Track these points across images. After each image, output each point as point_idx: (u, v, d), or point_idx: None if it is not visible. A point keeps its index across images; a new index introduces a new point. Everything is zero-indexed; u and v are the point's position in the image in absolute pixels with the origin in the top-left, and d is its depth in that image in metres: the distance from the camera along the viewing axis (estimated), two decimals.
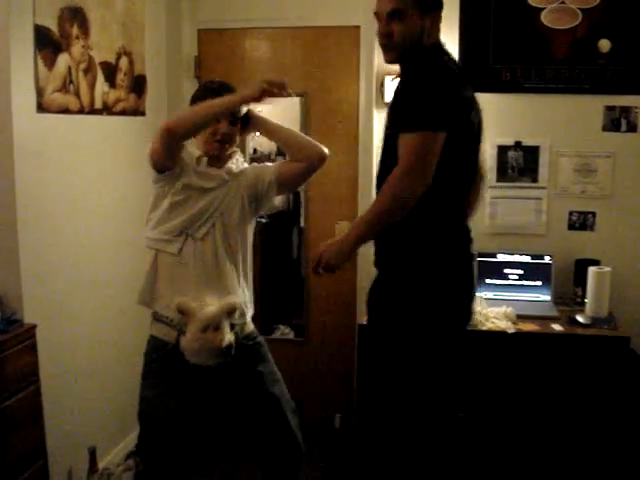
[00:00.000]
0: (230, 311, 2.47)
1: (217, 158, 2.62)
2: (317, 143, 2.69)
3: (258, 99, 2.47)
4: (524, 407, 3.39)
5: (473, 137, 2.38)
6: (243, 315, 2.63)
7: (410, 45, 2.31)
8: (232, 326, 2.50)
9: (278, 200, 5.15)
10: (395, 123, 2.29)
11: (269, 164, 2.76)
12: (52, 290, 3.09)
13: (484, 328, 3.39)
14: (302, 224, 4.54)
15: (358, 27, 3.98)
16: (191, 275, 2.54)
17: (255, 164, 2.80)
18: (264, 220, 5.30)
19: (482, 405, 3.42)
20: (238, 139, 2.69)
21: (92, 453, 3.31)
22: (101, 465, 3.43)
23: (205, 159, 2.60)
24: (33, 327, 2.85)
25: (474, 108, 2.37)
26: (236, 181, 2.65)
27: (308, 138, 2.74)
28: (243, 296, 2.63)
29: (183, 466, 2.66)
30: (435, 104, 2.16)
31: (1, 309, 2.80)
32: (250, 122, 2.69)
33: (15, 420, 2.75)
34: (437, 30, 2.38)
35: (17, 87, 2.80)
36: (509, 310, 3.47)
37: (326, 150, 2.67)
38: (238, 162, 2.71)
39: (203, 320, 2.40)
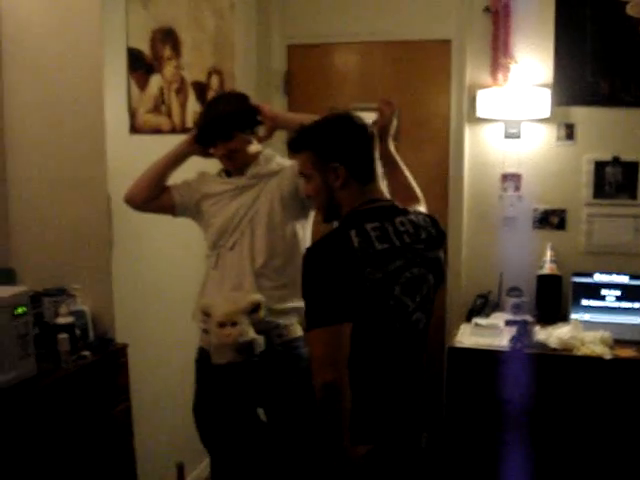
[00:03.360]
0: (251, 309, 2.46)
1: (237, 170, 2.64)
2: None
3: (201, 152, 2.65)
4: (620, 436, 3.24)
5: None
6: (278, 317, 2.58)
7: (328, 206, 2.08)
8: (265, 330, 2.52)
9: None
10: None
11: None
12: (142, 310, 3.15)
13: (579, 353, 3.26)
14: None
15: (449, 41, 3.92)
16: (225, 285, 2.58)
17: (292, 161, 2.64)
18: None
19: (578, 432, 3.29)
20: (254, 143, 2.63)
21: (180, 469, 3.34)
22: None
23: (223, 172, 2.70)
24: (125, 347, 2.91)
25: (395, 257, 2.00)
26: (268, 183, 2.61)
27: None
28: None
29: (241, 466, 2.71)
30: (327, 298, 1.92)
31: (94, 329, 2.86)
32: (260, 122, 2.64)
33: (108, 437, 2.81)
34: (354, 183, 2.03)
35: (111, 109, 2.86)
36: (606, 334, 3.33)
37: None
38: (269, 162, 2.65)
39: (220, 316, 2.44)
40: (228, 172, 2.71)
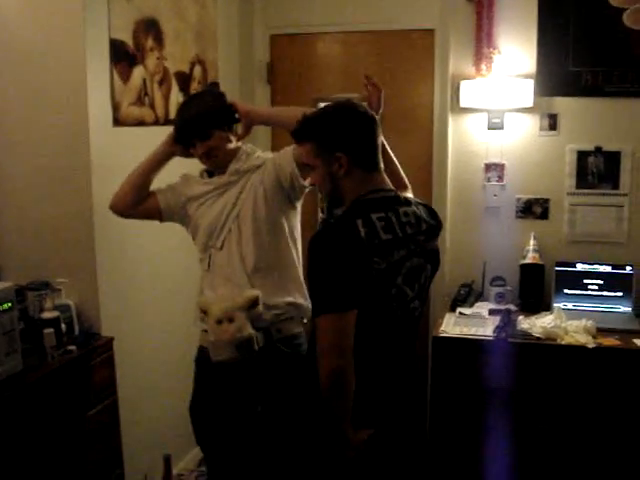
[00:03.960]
0: (249, 304, 2.46)
1: (219, 168, 2.64)
2: None
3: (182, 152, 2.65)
4: (604, 425, 3.28)
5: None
6: (276, 314, 2.58)
7: (332, 194, 2.12)
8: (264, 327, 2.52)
9: None
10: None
11: (287, 149, 2.60)
12: (128, 303, 3.14)
13: (563, 342, 3.28)
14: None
15: (432, 30, 3.92)
16: (219, 285, 2.59)
17: (274, 154, 2.69)
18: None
19: (561, 421, 3.32)
20: (233, 140, 2.63)
21: (167, 460, 3.34)
22: (175, 472, 3.47)
23: (205, 172, 2.70)
24: (110, 340, 2.90)
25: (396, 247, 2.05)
26: (250, 178, 2.60)
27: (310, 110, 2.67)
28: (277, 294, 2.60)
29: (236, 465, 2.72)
30: (336, 285, 1.96)
31: (80, 323, 2.85)
32: (237, 118, 2.63)
33: (95, 431, 2.81)
34: (357, 170, 2.06)
35: (94, 102, 2.84)
36: (589, 323, 3.35)
37: None
38: (249, 157, 2.64)
39: (217, 313, 2.44)
40: (210, 172, 2.70)
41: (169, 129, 3.31)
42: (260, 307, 2.48)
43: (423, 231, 2.10)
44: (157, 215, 2.71)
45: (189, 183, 2.70)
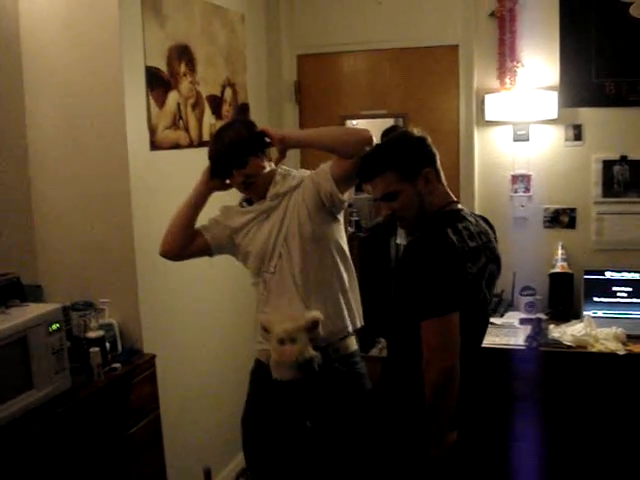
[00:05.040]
0: (310, 326, 2.49)
1: (258, 195, 2.66)
2: (357, 129, 2.62)
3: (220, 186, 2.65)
4: (636, 431, 3.31)
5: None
6: (332, 333, 2.60)
7: (418, 214, 2.23)
8: (322, 346, 2.54)
9: (375, 213, 5.19)
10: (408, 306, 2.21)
11: (324, 167, 2.60)
12: (168, 321, 3.23)
13: (593, 350, 3.33)
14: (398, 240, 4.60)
15: (456, 46, 4.00)
16: (274, 306, 2.60)
17: (310, 173, 2.69)
18: (362, 234, 5.34)
19: (593, 428, 3.35)
20: (267, 165, 2.62)
21: (207, 473, 3.42)
22: None
23: (244, 202, 2.72)
24: (153, 357, 2.99)
25: (483, 256, 2.21)
26: (291, 200, 2.62)
27: (346, 129, 2.70)
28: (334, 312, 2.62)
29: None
30: (442, 288, 2.09)
31: (122, 340, 2.95)
32: (270, 143, 2.61)
33: (139, 446, 2.89)
34: (437, 184, 2.24)
35: (132, 128, 2.94)
36: (619, 331, 3.39)
37: (368, 132, 2.53)
38: (286, 179, 2.66)
39: (279, 333, 2.47)
40: (249, 200, 2.72)
41: (203, 149, 3.42)
42: (320, 329, 2.51)
43: (491, 239, 2.26)
44: (207, 251, 2.71)
45: (230, 215, 2.71)
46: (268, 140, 2.61)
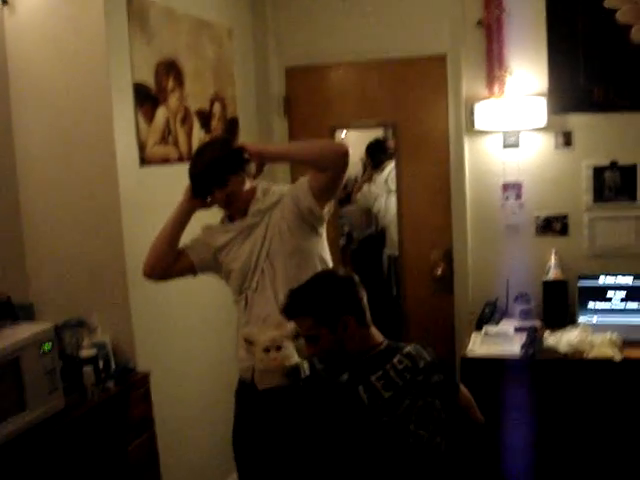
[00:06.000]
0: (295, 334, 2.48)
1: (239, 212, 2.67)
2: (332, 142, 2.62)
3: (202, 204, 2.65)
4: (634, 437, 3.29)
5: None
6: None
7: (340, 356, 2.23)
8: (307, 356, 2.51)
9: (366, 224, 5.20)
10: None
11: (302, 180, 2.63)
12: (162, 337, 3.21)
13: (589, 356, 3.31)
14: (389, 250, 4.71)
15: (444, 55, 3.99)
16: (255, 324, 2.62)
17: (288, 188, 2.72)
18: (353, 246, 5.34)
19: (590, 435, 3.34)
20: (248, 182, 2.64)
21: None
22: None
23: (226, 219, 2.72)
24: (146, 375, 2.97)
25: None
26: (272, 216, 2.63)
27: (323, 143, 2.71)
28: None
29: None
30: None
31: (116, 358, 2.92)
32: (248, 160, 2.64)
33: (134, 465, 2.87)
34: (358, 329, 2.20)
35: (121, 144, 2.94)
36: (615, 336, 3.38)
37: (344, 145, 2.56)
38: (266, 195, 2.67)
39: (265, 341, 2.47)
40: (231, 217, 2.73)
41: None
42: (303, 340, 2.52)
43: (421, 369, 2.19)
44: (191, 271, 2.72)
45: (212, 233, 2.72)
46: (247, 156, 2.62)
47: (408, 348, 2.23)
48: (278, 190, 2.70)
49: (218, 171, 2.58)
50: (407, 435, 2.10)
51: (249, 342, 2.53)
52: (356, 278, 2.25)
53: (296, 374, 2.48)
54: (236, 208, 2.66)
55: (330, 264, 2.74)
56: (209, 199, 2.64)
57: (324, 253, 2.72)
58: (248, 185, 2.66)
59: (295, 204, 2.60)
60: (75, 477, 2.54)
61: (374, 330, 2.26)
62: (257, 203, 2.65)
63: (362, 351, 2.19)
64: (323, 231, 2.73)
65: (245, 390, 2.66)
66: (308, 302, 2.20)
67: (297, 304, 2.22)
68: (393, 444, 2.09)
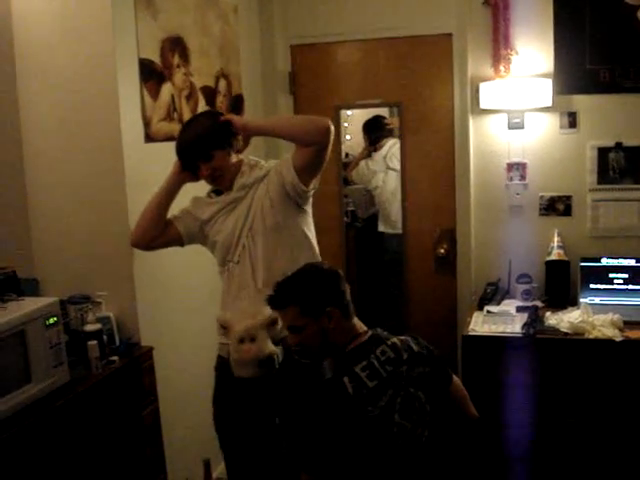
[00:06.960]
0: (269, 323, 2.53)
1: (226, 186, 2.70)
2: (316, 118, 2.60)
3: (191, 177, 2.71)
4: (633, 417, 3.32)
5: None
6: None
7: (323, 347, 2.28)
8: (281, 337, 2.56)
9: (371, 203, 5.20)
10: None
11: (287, 157, 2.66)
12: (166, 312, 3.23)
13: (590, 336, 3.33)
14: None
15: (450, 34, 3.99)
16: (235, 296, 2.67)
17: (276, 162, 2.73)
18: (358, 224, 5.35)
19: (591, 414, 3.36)
20: (234, 157, 2.68)
21: (207, 465, 3.40)
22: (215, 475, 3.55)
23: (212, 192, 2.75)
24: (150, 349, 2.99)
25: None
26: (257, 191, 2.66)
27: (305, 118, 2.73)
28: None
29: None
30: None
31: (120, 333, 2.95)
32: (236, 132, 2.67)
33: (138, 438, 2.90)
34: (342, 321, 2.26)
35: (126, 120, 2.93)
36: (616, 317, 3.40)
37: (327, 121, 2.56)
38: (253, 169, 2.70)
39: (239, 331, 2.51)
40: (218, 191, 2.75)
41: None
42: (279, 325, 2.53)
43: (404, 360, 2.23)
44: (178, 241, 2.78)
45: (200, 205, 2.76)
46: (233, 130, 2.64)
47: (394, 339, 2.27)
48: (266, 165, 2.73)
49: (203, 145, 2.61)
50: (392, 425, 2.14)
51: (224, 328, 2.57)
52: (340, 272, 2.31)
53: (270, 365, 2.52)
54: (222, 182, 2.69)
55: (314, 241, 2.77)
56: (197, 173, 2.68)
57: (307, 230, 2.74)
58: (234, 159, 2.69)
59: (279, 180, 2.63)
60: (79, 450, 2.57)
61: (357, 321, 2.31)
62: (242, 177, 2.68)
63: (346, 342, 2.25)
64: (309, 208, 2.76)
65: (224, 367, 2.69)
66: (295, 292, 2.24)
67: (284, 294, 2.26)
68: (377, 433, 2.13)
